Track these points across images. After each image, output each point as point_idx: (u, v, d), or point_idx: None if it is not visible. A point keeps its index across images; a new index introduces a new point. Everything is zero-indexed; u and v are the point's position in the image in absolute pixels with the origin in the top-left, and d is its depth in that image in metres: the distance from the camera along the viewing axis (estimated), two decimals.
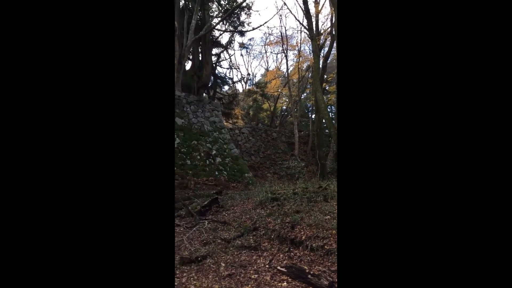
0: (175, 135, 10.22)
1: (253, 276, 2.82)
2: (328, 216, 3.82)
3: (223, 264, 3.12)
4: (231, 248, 3.56)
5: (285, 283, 2.65)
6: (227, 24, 17.29)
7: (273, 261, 3.14)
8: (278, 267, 2.93)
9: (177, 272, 2.93)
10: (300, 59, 19.60)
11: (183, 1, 14.73)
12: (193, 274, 2.89)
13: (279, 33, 38.17)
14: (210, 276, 2.84)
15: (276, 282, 2.68)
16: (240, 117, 22.15)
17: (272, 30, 48.61)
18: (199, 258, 3.22)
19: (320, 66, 13.57)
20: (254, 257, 3.28)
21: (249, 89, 24.64)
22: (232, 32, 18.27)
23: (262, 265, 3.07)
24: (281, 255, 3.26)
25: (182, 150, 10.08)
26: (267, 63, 40.54)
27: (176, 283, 2.71)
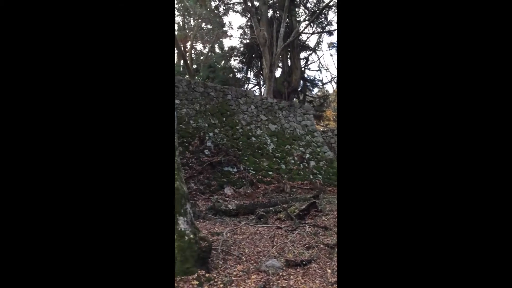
0: (269, 141, 10.62)
1: None
2: None
3: (329, 270, 3.06)
4: (335, 254, 3.46)
5: None
6: (315, 26, 17.12)
7: None
8: None
9: (284, 274, 3.01)
10: None
11: (271, 12, 15.30)
12: (300, 278, 2.92)
13: None
14: (317, 281, 2.82)
15: None
16: (332, 119, 21.49)
17: None
18: (304, 262, 3.24)
19: None
20: None
21: None
22: (320, 33, 17.98)
23: None
24: None
25: (277, 154, 10.38)
26: None
27: (284, 285, 2.79)
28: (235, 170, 8.96)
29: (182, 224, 2.89)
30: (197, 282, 2.68)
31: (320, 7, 15.76)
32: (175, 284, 2.60)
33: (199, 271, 2.79)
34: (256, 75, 19.79)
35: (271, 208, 6.19)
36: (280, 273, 3.03)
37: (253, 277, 2.97)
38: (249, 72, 19.51)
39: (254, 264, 3.32)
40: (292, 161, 10.44)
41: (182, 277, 2.67)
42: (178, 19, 18.55)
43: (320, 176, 10.44)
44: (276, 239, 4.23)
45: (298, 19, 16.64)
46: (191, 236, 2.88)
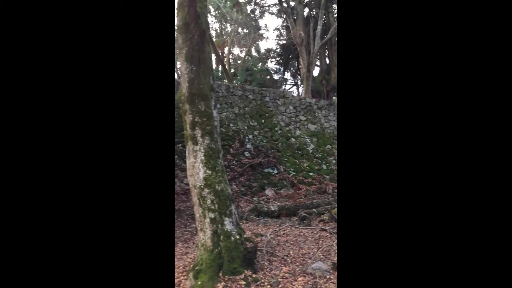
0: (309, 141, 10.46)
1: None
2: None
3: None
4: None
5: None
6: None
7: None
8: None
9: (332, 277, 2.94)
10: None
11: (307, 10, 15.11)
12: None
13: None
14: None
15: None
16: None
17: None
18: None
19: None
20: None
21: None
22: None
23: None
24: None
25: (317, 155, 10.18)
26: None
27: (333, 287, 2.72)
28: (275, 171, 8.96)
29: (228, 225, 2.96)
30: (244, 282, 2.72)
31: None
32: (224, 283, 2.67)
33: (245, 272, 2.83)
34: (294, 76, 19.63)
35: (313, 209, 6.08)
36: (327, 276, 2.96)
37: (299, 279, 2.94)
38: (286, 73, 19.42)
39: (300, 266, 3.28)
40: (334, 161, 10.16)
41: (230, 277, 2.73)
42: (215, 26, 19.12)
43: None
44: (321, 241, 4.15)
45: (335, 16, 16.21)
46: (237, 236, 2.93)
